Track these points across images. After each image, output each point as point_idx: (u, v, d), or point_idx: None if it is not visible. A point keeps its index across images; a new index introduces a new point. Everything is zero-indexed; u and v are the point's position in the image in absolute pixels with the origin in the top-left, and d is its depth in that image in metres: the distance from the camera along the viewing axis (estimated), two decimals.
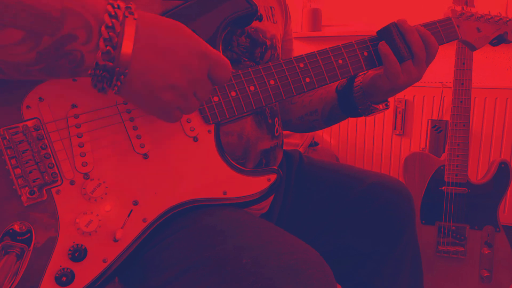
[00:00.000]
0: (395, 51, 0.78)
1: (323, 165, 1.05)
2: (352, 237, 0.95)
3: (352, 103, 0.90)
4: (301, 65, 0.74)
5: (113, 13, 0.49)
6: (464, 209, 1.53)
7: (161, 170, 0.64)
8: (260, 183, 0.69)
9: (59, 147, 0.59)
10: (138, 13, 0.52)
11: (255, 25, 0.83)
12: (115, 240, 0.60)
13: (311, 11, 2.50)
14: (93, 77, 0.51)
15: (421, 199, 1.58)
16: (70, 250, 0.57)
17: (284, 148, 1.04)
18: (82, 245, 0.58)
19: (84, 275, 0.58)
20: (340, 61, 0.77)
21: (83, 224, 0.58)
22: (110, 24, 0.49)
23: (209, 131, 0.68)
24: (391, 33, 0.78)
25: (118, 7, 0.50)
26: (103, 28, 0.49)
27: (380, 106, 0.89)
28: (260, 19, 0.80)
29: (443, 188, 1.55)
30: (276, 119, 0.89)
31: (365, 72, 0.85)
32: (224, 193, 0.68)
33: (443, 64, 2.11)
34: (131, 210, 0.62)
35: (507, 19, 0.92)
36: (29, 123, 0.58)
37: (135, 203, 0.62)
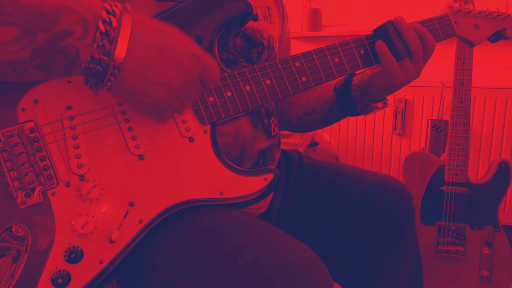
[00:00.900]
0: (392, 49, 0.77)
1: (323, 165, 1.04)
2: (352, 237, 0.95)
3: (350, 102, 0.90)
4: (297, 64, 0.74)
5: (110, 10, 0.51)
6: (464, 209, 1.53)
7: (157, 171, 0.64)
8: (257, 183, 0.69)
9: (54, 149, 0.59)
10: (135, 13, 0.53)
11: (251, 25, 0.83)
12: (112, 242, 0.60)
13: (311, 11, 2.50)
14: (85, 70, 0.51)
15: (421, 199, 1.58)
16: (66, 251, 0.57)
17: (284, 148, 1.04)
18: (78, 247, 0.58)
19: (80, 277, 0.58)
20: (337, 60, 0.77)
21: (79, 225, 0.58)
22: (108, 20, 0.50)
23: (205, 131, 0.68)
24: (388, 31, 0.78)
25: (116, 6, 0.51)
26: (100, 23, 0.50)
27: (379, 105, 0.89)
28: (255, 19, 0.80)
29: (443, 188, 1.55)
30: (272, 118, 0.89)
31: (362, 70, 0.84)
32: (221, 193, 0.67)
33: (443, 64, 2.11)
34: (127, 211, 0.61)
35: (506, 15, 0.92)
36: (25, 126, 0.58)
37: (131, 204, 0.62)
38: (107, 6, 0.51)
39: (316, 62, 0.75)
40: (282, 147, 1.01)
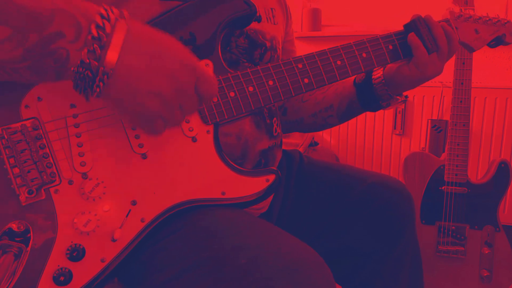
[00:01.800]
0: (423, 42, 0.81)
1: (323, 165, 1.05)
2: (352, 237, 0.95)
3: (372, 96, 0.92)
4: (300, 65, 0.74)
5: (105, 15, 0.49)
6: (464, 209, 1.53)
7: (160, 170, 0.64)
8: (258, 184, 0.69)
9: (58, 147, 0.59)
10: (130, 20, 0.52)
11: (254, 27, 0.83)
12: (113, 240, 0.60)
13: (311, 11, 2.50)
14: (75, 75, 0.50)
15: (421, 199, 1.58)
16: (68, 249, 0.57)
17: (284, 148, 1.04)
18: (80, 245, 0.58)
19: (82, 275, 0.58)
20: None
21: (81, 223, 0.58)
22: (101, 25, 0.49)
23: (208, 132, 0.68)
24: (419, 26, 0.81)
25: (111, 11, 0.50)
26: (92, 27, 0.49)
27: (400, 98, 0.91)
28: (259, 20, 0.80)
29: (443, 188, 1.55)
30: (275, 119, 0.89)
31: (377, 68, 0.87)
32: (223, 193, 0.67)
33: None
34: (130, 210, 0.61)
35: (505, 21, 0.93)
36: (28, 123, 0.58)
37: (134, 203, 0.62)
38: (103, 11, 0.50)
39: (318, 64, 0.75)
40: (282, 147, 1.01)
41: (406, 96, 0.92)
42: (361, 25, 2.47)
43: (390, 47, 0.81)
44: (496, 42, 0.94)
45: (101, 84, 0.50)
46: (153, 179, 0.63)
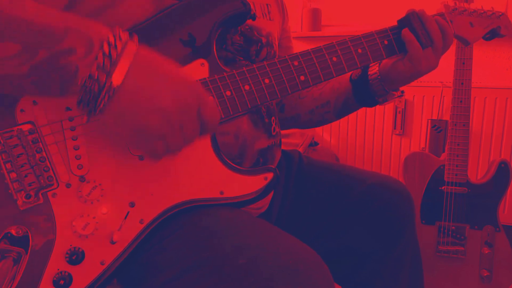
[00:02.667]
0: (416, 37, 0.81)
1: (323, 166, 1.05)
2: (352, 237, 0.95)
3: (368, 92, 0.92)
4: (296, 63, 0.74)
5: (117, 36, 0.52)
6: (464, 209, 1.53)
7: (157, 171, 0.64)
8: (257, 182, 0.69)
9: (54, 150, 0.59)
10: (140, 44, 0.54)
11: (249, 23, 0.83)
12: (112, 242, 0.60)
13: (311, 11, 2.50)
14: (81, 89, 0.51)
15: (421, 199, 1.58)
16: (67, 253, 0.57)
17: (284, 148, 1.04)
18: (79, 248, 0.58)
19: (82, 278, 0.58)
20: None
21: (79, 226, 0.58)
22: (113, 44, 0.51)
23: None
24: (412, 21, 0.81)
25: (123, 33, 0.52)
26: (105, 44, 0.50)
27: (397, 93, 0.92)
28: (253, 18, 0.80)
29: (443, 188, 1.55)
30: (273, 118, 0.89)
31: (373, 63, 0.87)
32: (221, 193, 0.67)
33: (443, 64, 2.10)
34: (128, 212, 0.61)
35: (500, 14, 0.93)
36: (24, 127, 0.58)
37: (132, 204, 0.62)
38: (115, 32, 0.52)
39: (314, 61, 0.75)
40: (282, 147, 1.01)
41: (402, 91, 0.93)
42: (361, 25, 2.47)
43: (386, 42, 0.82)
44: (491, 34, 0.94)
45: (106, 98, 0.51)
46: (150, 181, 0.63)
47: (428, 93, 2.23)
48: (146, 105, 0.53)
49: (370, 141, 2.40)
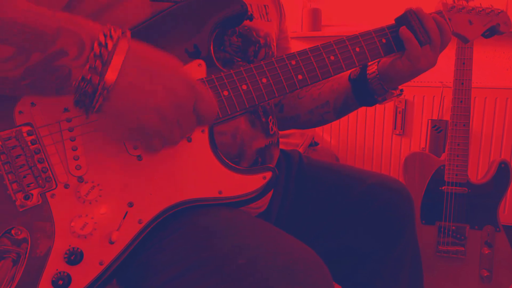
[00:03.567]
0: (414, 35, 0.81)
1: (323, 166, 1.05)
2: (352, 237, 0.95)
3: (367, 91, 0.92)
4: (293, 62, 0.74)
5: (108, 34, 0.51)
6: (464, 209, 1.53)
7: (156, 171, 0.64)
8: (255, 181, 0.69)
9: (52, 151, 0.59)
10: (133, 40, 0.54)
11: (247, 24, 0.83)
12: (111, 242, 0.60)
13: (311, 11, 2.50)
14: (76, 89, 0.51)
15: (421, 199, 1.58)
16: (66, 253, 0.57)
17: (284, 148, 1.04)
18: (78, 248, 0.58)
19: (81, 278, 0.58)
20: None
21: (78, 227, 0.58)
22: (104, 43, 0.50)
23: (202, 131, 0.67)
24: (410, 19, 0.82)
25: (115, 30, 0.52)
26: (95, 44, 0.50)
27: (396, 92, 0.92)
28: (251, 18, 0.80)
29: (443, 188, 1.55)
30: (270, 117, 0.89)
31: (371, 62, 0.88)
32: (220, 192, 0.67)
33: (443, 64, 2.10)
34: (126, 212, 0.61)
35: (499, 11, 0.93)
36: (22, 129, 0.58)
37: (130, 204, 0.62)
38: (105, 30, 0.51)
39: (312, 60, 0.75)
40: (282, 147, 1.01)
41: (402, 90, 0.92)
42: (361, 25, 2.46)
43: (384, 40, 0.81)
44: (491, 32, 0.94)
45: (101, 99, 0.51)
46: (149, 180, 0.63)
47: (428, 93, 2.23)
48: (141, 104, 0.53)
49: (370, 141, 2.40)
